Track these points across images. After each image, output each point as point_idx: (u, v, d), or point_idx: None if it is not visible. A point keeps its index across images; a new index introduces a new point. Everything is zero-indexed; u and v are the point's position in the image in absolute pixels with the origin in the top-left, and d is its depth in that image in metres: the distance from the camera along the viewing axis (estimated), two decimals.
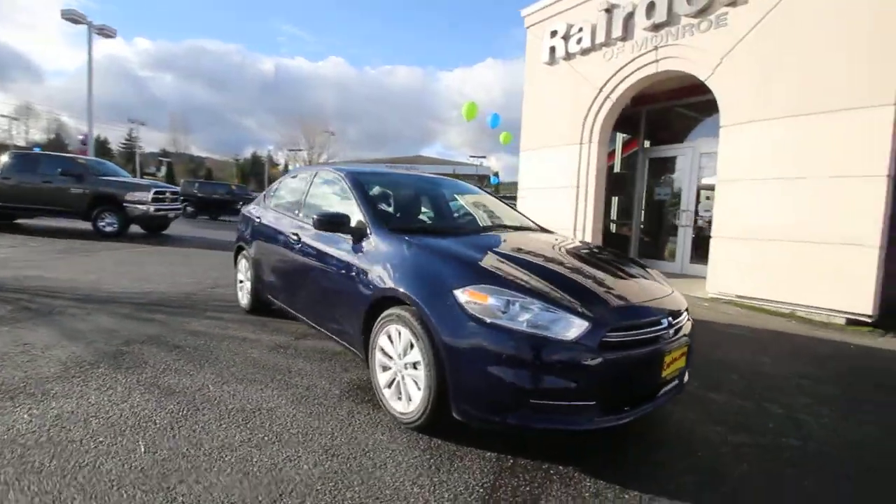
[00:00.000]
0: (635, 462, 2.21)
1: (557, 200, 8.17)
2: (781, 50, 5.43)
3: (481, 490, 1.91)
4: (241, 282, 4.65)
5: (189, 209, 19.41)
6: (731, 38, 5.84)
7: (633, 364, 2.08)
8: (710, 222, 7.43)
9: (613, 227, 9.51)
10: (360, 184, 3.17)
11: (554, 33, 8.14)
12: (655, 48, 6.69)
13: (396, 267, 2.49)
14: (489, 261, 2.37)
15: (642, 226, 9.07)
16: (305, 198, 3.69)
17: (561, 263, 2.57)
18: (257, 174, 59.15)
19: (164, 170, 45.04)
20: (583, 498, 1.89)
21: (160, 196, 10.82)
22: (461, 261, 2.35)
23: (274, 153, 62.37)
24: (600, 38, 7.35)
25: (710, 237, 6.33)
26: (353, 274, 2.75)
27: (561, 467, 2.10)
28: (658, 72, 6.77)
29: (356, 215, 2.93)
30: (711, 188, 7.64)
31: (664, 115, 8.55)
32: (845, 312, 5.04)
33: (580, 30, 7.68)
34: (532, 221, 3.81)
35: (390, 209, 3.29)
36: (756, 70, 5.66)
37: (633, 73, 7.06)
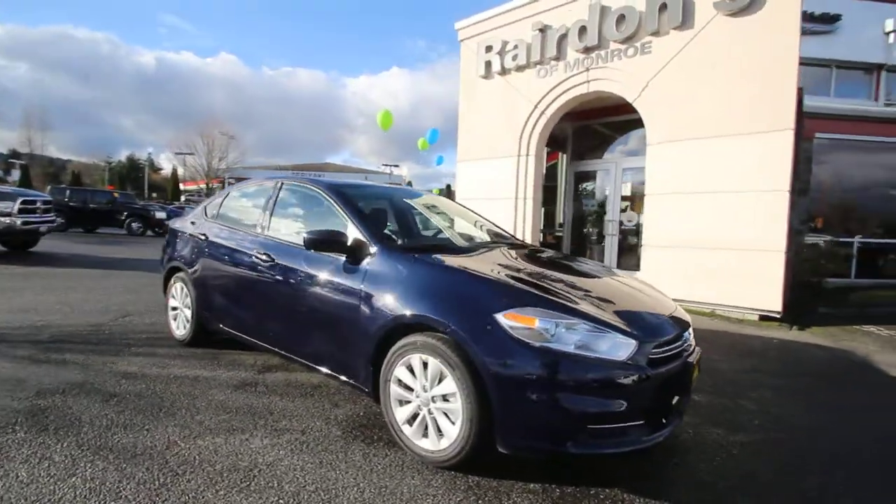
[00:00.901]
0: (669, 475, 2.24)
1: (496, 211, 8.31)
2: (700, 78, 6.10)
3: None
4: (174, 309, 3.99)
5: (58, 220, 16.61)
6: (656, 64, 6.44)
7: (673, 378, 2.11)
8: (630, 230, 8.12)
9: (541, 236, 9.93)
10: (349, 198, 2.88)
11: (489, 48, 8.33)
12: (587, 69, 7.15)
13: (418, 291, 2.27)
14: (518, 280, 2.26)
15: (570, 234, 9.60)
16: (271, 213, 3.26)
17: (575, 284, 2.54)
18: (135, 179, 52.54)
19: (16, 174, 37.79)
20: None
21: (29, 206, 9.09)
22: (494, 281, 2.21)
23: (155, 156, 56.11)
24: (535, 56, 7.67)
25: (632, 244, 6.88)
26: (355, 299, 2.46)
27: (608, 490, 2.05)
28: (589, 91, 7.24)
29: (352, 233, 2.64)
30: (630, 199, 8.37)
31: (587, 131, 9.17)
32: (758, 310, 5.77)
33: (515, 47, 7.95)
34: (510, 235, 3.78)
35: (387, 225, 3.03)
36: (678, 95, 6.29)
37: (566, 91, 7.47)
